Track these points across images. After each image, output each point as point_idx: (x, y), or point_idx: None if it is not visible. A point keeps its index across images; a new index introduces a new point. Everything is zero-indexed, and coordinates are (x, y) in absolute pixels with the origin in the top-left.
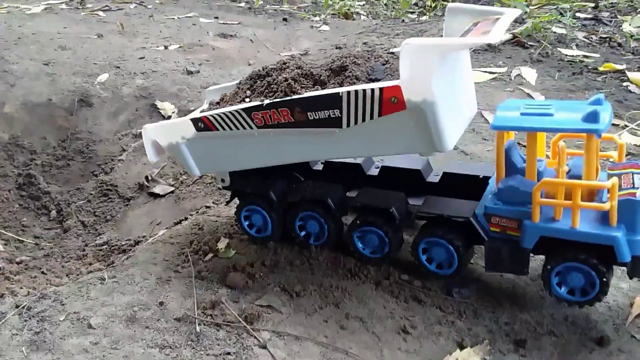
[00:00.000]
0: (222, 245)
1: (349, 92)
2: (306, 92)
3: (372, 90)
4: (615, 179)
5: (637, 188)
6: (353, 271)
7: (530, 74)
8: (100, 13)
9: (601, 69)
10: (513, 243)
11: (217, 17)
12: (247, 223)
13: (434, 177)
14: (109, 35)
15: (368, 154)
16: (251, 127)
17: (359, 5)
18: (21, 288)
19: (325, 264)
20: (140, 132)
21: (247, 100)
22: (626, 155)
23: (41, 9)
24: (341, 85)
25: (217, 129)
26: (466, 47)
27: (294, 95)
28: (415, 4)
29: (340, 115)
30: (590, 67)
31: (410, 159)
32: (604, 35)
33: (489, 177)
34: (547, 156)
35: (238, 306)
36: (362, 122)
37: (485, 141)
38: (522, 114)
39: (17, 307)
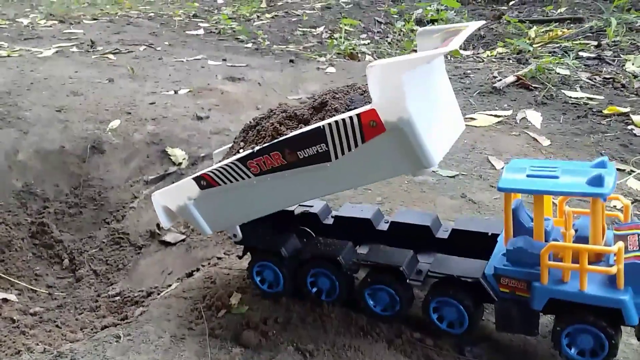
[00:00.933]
0: (234, 300)
1: (330, 124)
2: (291, 132)
3: (351, 117)
4: (621, 243)
5: None
6: (365, 329)
7: (535, 117)
8: (111, 56)
9: (605, 111)
10: (523, 304)
11: (225, 59)
12: (259, 279)
13: (443, 234)
14: (120, 80)
15: (363, 183)
16: (249, 177)
17: (364, 44)
18: (37, 344)
19: (338, 321)
20: (151, 179)
21: (241, 150)
22: (632, 205)
23: (52, 52)
24: (323, 120)
25: (219, 184)
26: (427, 60)
27: (280, 137)
28: None
29: (327, 148)
30: (594, 110)
31: (419, 215)
32: (608, 76)
33: (497, 235)
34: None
35: None
36: (349, 151)
37: (492, 188)
38: (528, 176)
39: None
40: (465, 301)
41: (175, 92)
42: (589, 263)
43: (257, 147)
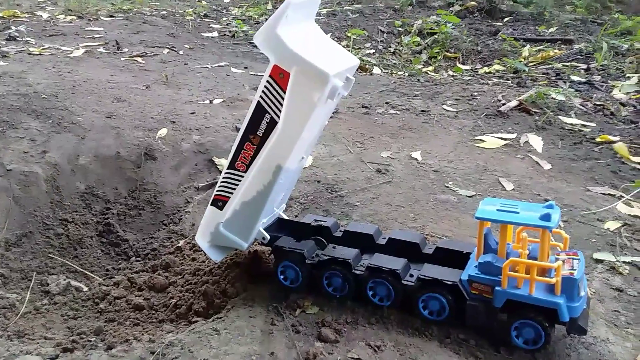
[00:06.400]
0: (307, 302)
1: (260, 96)
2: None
3: (267, 81)
4: (560, 262)
5: (575, 269)
6: (420, 330)
7: (536, 141)
8: (139, 59)
9: (598, 139)
10: (487, 303)
11: (246, 67)
12: (282, 277)
13: (428, 250)
14: (156, 87)
15: (308, 123)
16: (242, 176)
17: (369, 53)
18: (142, 334)
19: (397, 323)
20: (202, 186)
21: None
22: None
23: (82, 53)
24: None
25: (229, 197)
26: (284, 12)
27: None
28: (420, 52)
29: (270, 114)
30: (588, 137)
31: (410, 234)
32: (598, 103)
33: (470, 253)
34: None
35: (334, 357)
36: (282, 106)
37: None
38: (497, 210)
39: (152, 353)
40: (446, 297)
41: (210, 101)
42: (537, 275)
43: (233, 148)
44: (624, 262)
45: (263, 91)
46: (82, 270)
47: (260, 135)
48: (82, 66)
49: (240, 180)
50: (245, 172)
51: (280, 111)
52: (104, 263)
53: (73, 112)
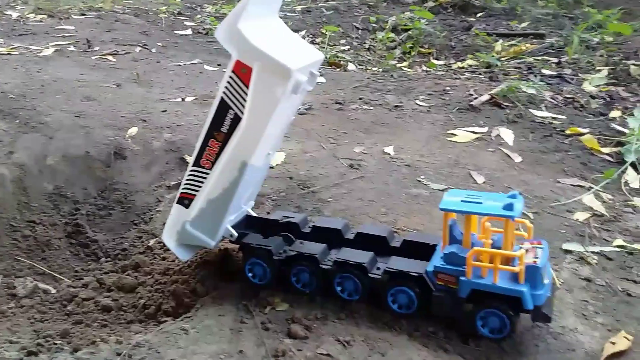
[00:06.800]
0: (277, 299)
1: (223, 92)
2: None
3: (230, 76)
4: (523, 251)
5: (538, 258)
6: (389, 324)
7: (507, 134)
8: (111, 58)
9: (568, 132)
10: (452, 293)
11: (219, 65)
12: (250, 274)
13: (396, 243)
14: (127, 85)
15: (272, 119)
16: (207, 173)
17: (344, 49)
18: (109, 335)
19: (366, 317)
20: (173, 184)
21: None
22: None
23: (51, 52)
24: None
25: (195, 195)
26: (244, 7)
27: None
28: (394, 48)
29: (234, 111)
30: (558, 130)
31: (378, 228)
32: (568, 96)
33: (436, 245)
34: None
35: (303, 354)
36: (245, 102)
37: None
38: (462, 201)
39: (118, 354)
40: (414, 289)
41: (182, 99)
42: (501, 264)
43: (198, 145)
44: (592, 252)
45: (226, 87)
46: (50, 272)
47: (225, 131)
48: (52, 65)
49: (205, 178)
50: (210, 169)
51: (244, 107)
52: (73, 264)
53: (41, 111)
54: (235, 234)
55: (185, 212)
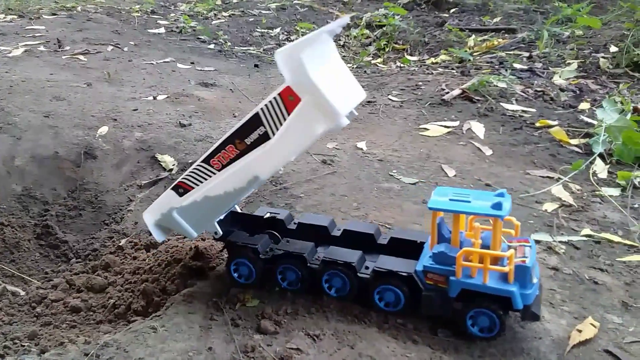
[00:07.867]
0: (248, 296)
1: (262, 109)
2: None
3: (274, 98)
4: (512, 251)
5: (527, 257)
6: (359, 317)
7: (478, 128)
8: (81, 57)
9: (537, 124)
10: (442, 293)
11: (193, 63)
12: (236, 275)
13: (383, 240)
14: (97, 84)
15: (299, 149)
16: (214, 173)
17: None
18: (77, 336)
19: (336, 311)
20: (144, 184)
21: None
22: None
23: (21, 52)
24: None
25: (193, 187)
26: (316, 38)
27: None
28: (368, 44)
29: (265, 129)
30: (528, 122)
31: (365, 225)
32: (539, 89)
33: (424, 242)
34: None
35: (272, 349)
36: (280, 125)
37: None
38: (450, 200)
39: (86, 355)
40: (402, 288)
41: (154, 97)
42: (490, 264)
43: (214, 145)
44: (560, 241)
45: (267, 105)
46: (19, 274)
47: (248, 143)
48: (21, 65)
49: (210, 176)
50: (218, 170)
51: (277, 129)
52: (42, 266)
53: (9, 112)
54: (220, 232)
55: (176, 199)
